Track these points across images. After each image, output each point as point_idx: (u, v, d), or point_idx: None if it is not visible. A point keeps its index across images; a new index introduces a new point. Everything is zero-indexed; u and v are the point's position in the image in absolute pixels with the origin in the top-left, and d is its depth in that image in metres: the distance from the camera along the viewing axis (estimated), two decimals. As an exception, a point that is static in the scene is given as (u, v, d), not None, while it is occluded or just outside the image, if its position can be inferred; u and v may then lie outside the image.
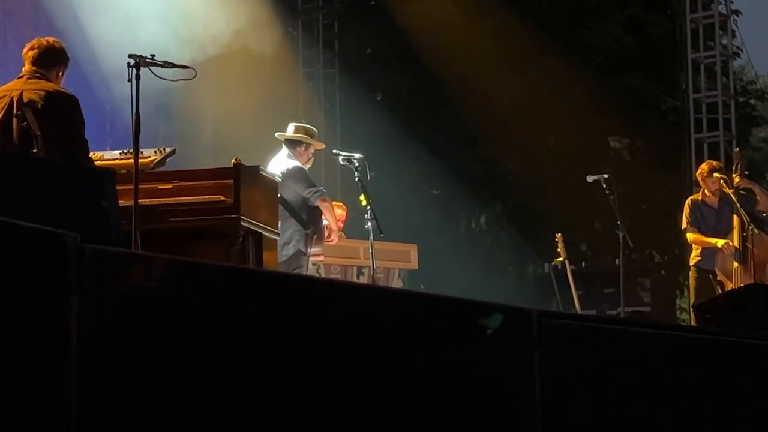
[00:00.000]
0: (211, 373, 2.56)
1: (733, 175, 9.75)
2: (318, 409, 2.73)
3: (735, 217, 9.58)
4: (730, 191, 9.65)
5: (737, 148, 10.80)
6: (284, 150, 8.75)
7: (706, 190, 9.86)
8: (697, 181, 10.11)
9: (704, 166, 10.04)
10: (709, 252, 9.71)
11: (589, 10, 18.40)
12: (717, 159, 13.36)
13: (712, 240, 9.66)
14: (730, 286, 9.43)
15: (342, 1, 16.94)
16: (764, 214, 9.80)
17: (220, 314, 2.61)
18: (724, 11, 15.56)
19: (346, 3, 17.20)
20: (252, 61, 13.02)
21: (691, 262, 9.91)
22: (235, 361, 2.60)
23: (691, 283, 9.90)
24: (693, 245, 9.94)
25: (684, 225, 9.92)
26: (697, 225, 9.83)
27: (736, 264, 9.49)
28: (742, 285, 9.19)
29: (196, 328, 2.56)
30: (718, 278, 9.57)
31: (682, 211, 9.99)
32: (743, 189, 9.73)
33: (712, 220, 9.80)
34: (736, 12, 16.51)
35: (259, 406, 2.64)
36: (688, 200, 10.02)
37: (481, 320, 3.10)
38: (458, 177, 17.45)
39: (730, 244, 9.53)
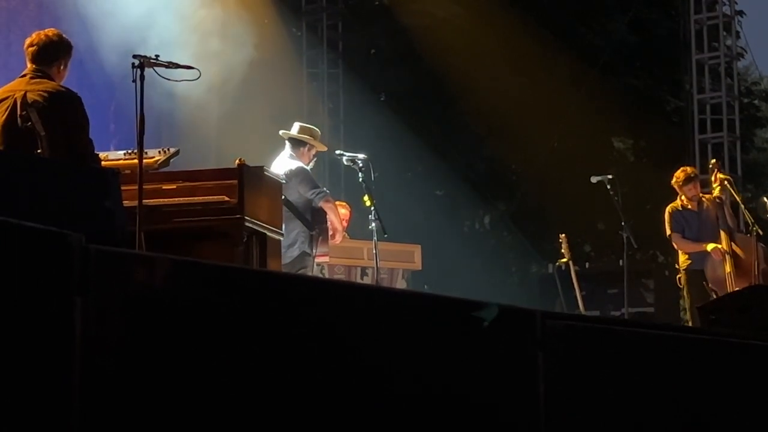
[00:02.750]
0: (214, 372, 2.56)
1: (713, 185, 9.76)
2: (317, 409, 2.73)
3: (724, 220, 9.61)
4: (735, 192, 9.66)
5: (713, 159, 10.80)
6: (287, 150, 8.75)
7: (683, 197, 9.85)
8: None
9: (680, 174, 9.93)
10: (698, 254, 9.69)
11: (593, 11, 18.40)
12: (721, 160, 13.38)
13: (701, 245, 9.64)
14: (726, 287, 9.41)
15: (346, 2, 16.93)
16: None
17: (223, 315, 2.61)
18: (729, 12, 15.55)
19: (350, 3, 17.20)
20: (256, 61, 13.02)
21: (681, 267, 9.89)
22: (238, 360, 2.60)
23: (685, 286, 9.88)
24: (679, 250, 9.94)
25: (668, 232, 9.89)
26: (681, 230, 9.81)
27: (729, 267, 9.48)
28: (734, 288, 9.20)
29: (200, 329, 2.56)
30: (710, 286, 9.56)
31: (663, 220, 9.97)
32: (718, 198, 9.74)
33: (695, 225, 9.79)
34: (740, 13, 16.48)
35: (263, 406, 2.64)
36: (668, 208, 9.96)
37: (482, 318, 3.10)
38: (462, 177, 17.46)
39: (719, 248, 9.52)
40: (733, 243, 9.55)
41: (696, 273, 9.68)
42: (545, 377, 3.18)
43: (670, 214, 9.87)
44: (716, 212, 9.70)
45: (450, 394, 3.02)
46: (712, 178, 9.89)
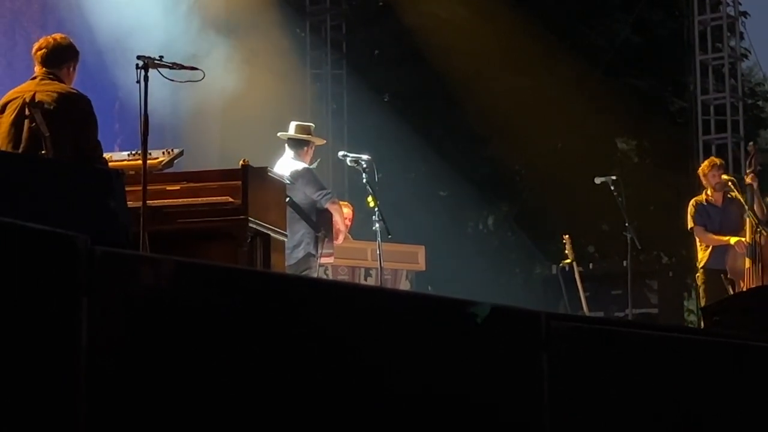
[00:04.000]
0: (220, 373, 2.57)
1: (747, 170, 9.77)
2: (318, 410, 2.73)
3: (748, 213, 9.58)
4: (739, 196, 9.66)
5: (752, 142, 10.86)
6: (288, 151, 8.78)
7: (708, 189, 9.87)
8: (700, 181, 10.17)
9: (706, 163, 10.16)
10: (718, 251, 9.67)
11: (597, 11, 18.39)
12: (725, 161, 13.39)
13: (724, 237, 9.63)
14: (742, 284, 9.40)
15: (350, 3, 16.94)
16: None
17: (229, 316, 2.61)
18: (732, 13, 15.54)
19: (354, 4, 17.20)
20: (259, 62, 13.03)
21: (699, 264, 9.88)
22: (240, 361, 2.61)
23: (701, 285, 9.86)
24: (699, 246, 9.92)
25: (690, 225, 9.89)
26: (703, 224, 9.81)
27: (748, 262, 9.46)
28: (753, 285, 9.19)
29: (205, 330, 2.57)
30: (728, 276, 9.54)
31: (686, 213, 9.98)
32: (749, 185, 9.75)
33: (717, 219, 9.79)
34: (744, 14, 16.49)
35: (264, 407, 2.64)
36: (692, 201, 10.02)
37: (486, 320, 3.09)
38: (466, 178, 17.45)
39: (743, 241, 9.50)
40: (758, 235, 9.53)
41: (713, 272, 9.67)
42: (549, 378, 3.18)
43: (694, 206, 9.90)
44: (740, 210, 9.69)
45: (453, 395, 3.02)
46: (748, 163, 9.93)
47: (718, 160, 10.26)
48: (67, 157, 6.06)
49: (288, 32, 14.83)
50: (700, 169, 10.11)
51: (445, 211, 17.46)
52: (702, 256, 9.84)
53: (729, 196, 9.84)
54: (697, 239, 9.94)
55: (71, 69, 6.52)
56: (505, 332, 3.16)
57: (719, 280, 9.60)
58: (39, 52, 6.45)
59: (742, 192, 9.83)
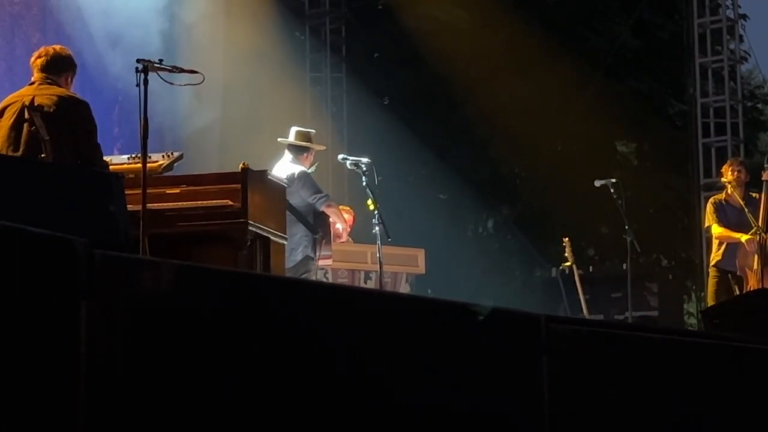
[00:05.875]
0: (219, 375, 2.57)
1: (766, 165, 9.78)
2: (317, 413, 2.73)
3: (761, 213, 9.59)
4: (739, 199, 9.67)
5: None
6: (287, 155, 8.78)
7: (728, 188, 9.89)
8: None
9: (727, 163, 10.32)
10: (731, 253, 9.68)
11: (597, 14, 18.40)
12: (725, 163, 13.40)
13: (736, 234, 9.64)
14: (752, 279, 9.42)
15: (349, 6, 16.93)
16: None
17: (228, 319, 2.61)
18: (732, 16, 15.53)
19: (354, 7, 17.19)
20: (259, 65, 13.03)
21: (711, 263, 9.90)
22: (244, 364, 2.61)
23: (710, 284, 9.88)
24: (714, 245, 9.94)
25: (707, 223, 9.92)
26: (719, 221, 9.83)
27: (755, 266, 9.47)
28: (760, 285, 9.21)
29: (204, 333, 2.57)
30: (738, 273, 9.56)
31: (705, 210, 10.04)
32: (753, 191, 9.78)
33: (734, 219, 9.81)
34: (744, 17, 16.48)
35: (264, 410, 2.64)
36: (711, 199, 10.07)
37: (486, 322, 3.10)
38: (465, 181, 17.45)
39: (755, 239, 9.52)
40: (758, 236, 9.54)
41: (724, 272, 9.69)
42: (549, 381, 3.18)
43: (713, 204, 9.94)
44: (756, 211, 9.71)
45: (453, 398, 3.02)
46: (767, 158, 10.00)
47: (738, 158, 10.45)
48: (66, 161, 6.06)
49: (287, 35, 14.83)
50: (723, 168, 10.21)
51: (444, 213, 17.46)
52: (715, 255, 9.87)
53: (739, 196, 9.87)
54: (713, 236, 9.97)
55: (69, 79, 6.56)
56: (505, 335, 3.16)
57: (728, 281, 9.62)
58: (38, 60, 6.49)
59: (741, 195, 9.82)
